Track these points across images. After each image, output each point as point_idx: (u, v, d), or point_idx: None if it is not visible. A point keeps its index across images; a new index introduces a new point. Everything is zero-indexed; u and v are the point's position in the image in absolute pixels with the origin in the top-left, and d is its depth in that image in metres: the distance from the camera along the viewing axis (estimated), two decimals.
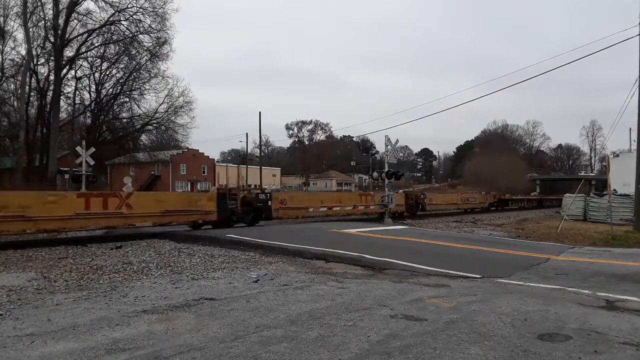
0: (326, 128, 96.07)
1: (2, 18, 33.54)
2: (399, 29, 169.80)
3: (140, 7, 32.15)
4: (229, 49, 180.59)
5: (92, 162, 22.80)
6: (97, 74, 37.27)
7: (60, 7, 30.63)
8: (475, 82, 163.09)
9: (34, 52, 32.01)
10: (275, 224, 17.88)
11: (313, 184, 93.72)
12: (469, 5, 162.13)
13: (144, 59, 35.85)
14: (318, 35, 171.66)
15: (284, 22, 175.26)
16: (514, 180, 64.13)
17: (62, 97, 32.75)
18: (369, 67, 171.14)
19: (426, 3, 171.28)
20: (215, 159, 79.82)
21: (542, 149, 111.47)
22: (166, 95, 37.30)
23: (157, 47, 34.86)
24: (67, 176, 33.95)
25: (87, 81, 37.02)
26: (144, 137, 41.74)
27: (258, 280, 7.34)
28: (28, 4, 29.82)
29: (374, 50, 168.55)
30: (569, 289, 6.74)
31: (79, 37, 32.84)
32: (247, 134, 78.55)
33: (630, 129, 44.77)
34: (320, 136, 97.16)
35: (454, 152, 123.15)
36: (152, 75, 36.54)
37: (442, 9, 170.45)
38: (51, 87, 32.06)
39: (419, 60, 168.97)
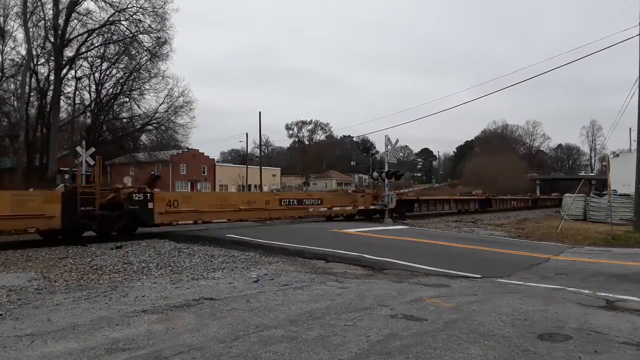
0: (326, 128, 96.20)
1: (2, 18, 33.54)
2: (399, 29, 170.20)
3: (140, 7, 32.17)
4: (229, 49, 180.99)
5: (92, 162, 22.74)
6: (97, 74, 37.28)
7: (60, 7, 30.65)
8: (475, 82, 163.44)
9: (34, 52, 32.01)
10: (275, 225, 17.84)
11: (313, 184, 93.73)
12: (468, 5, 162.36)
13: (144, 59, 35.87)
14: (318, 35, 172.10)
15: (284, 22, 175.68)
16: (514, 180, 64.11)
17: (62, 97, 32.77)
18: (369, 67, 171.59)
19: (426, 3, 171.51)
20: (215, 159, 79.86)
21: (542, 149, 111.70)
22: (166, 95, 37.32)
23: (157, 47, 34.88)
24: (67, 176, 33.96)
25: (87, 81, 37.06)
26: (144, 137, 41.77)
27: (258, 280, 7.34)
28: (28, 4, 29.80)
29: (374, 50, 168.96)
30: (569, 288, 6.74)
31: (79, 37, 32.85)
32: (247, 134, 78.43)
33: (630, 129, 44.89)
34: (320, 136, 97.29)
35: (454, 152, 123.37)
36: (152, 75, 36.56)
37: (442, 9, 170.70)
38: (51, 87, 32.06)
39: (419, 60, 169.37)
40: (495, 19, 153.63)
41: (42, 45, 32.60)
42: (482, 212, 32.47)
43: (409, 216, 24.49)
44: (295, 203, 18.63)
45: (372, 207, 21.41)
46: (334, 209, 20.32)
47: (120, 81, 37.58)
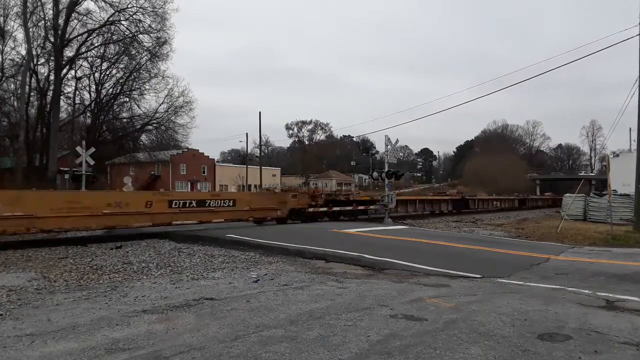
0: (326, 128, 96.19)
1: (2, 18, 33.58)
2: (399, 29, 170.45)
3: (140, 7, 32.25)
4: (229, 49, 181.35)
5: (92, 162, 22.80)
6: (97, 74, 37.37)
7: (60, 7, 30.69)
8: (475, 82, 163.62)
9: (34, 52, 32.04)
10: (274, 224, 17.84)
11: (313, 184, 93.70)
12: (468, 5, 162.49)
13: (144, 59, 35.96)
14: (318, 35, 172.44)
15: (284, 22, 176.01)
16: (514, 180, 64.12)
17: (62, 97, 32.82)
18: (369, 67, 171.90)
19: (426, 3, 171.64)
20: (215, 159, 79.90)
21: (542, 149, 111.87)
22: (166, 95, 37.41)
23: (157, 47, 34.95)
24: (67, 176, 33.97)
25: (87, 81, 37.15)
26: (144, 137, 41.84)
27: (258, 280, 7.34)
28: (28, 3, 29.81)
29: (374, 50, 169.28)
30: (569, 288, 6.74)
31: (79, 37, 32.91)
32: (247, 134, 78.58)
33: (630, 129, 44.89)
34: (320, 136, 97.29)
35: (454, 152, 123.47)
36: (152, 75, 36.67)
37: (442, 9, 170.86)
38: (51, 87, 32.10)
39: (419, 60, 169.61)
40: (495, 19, 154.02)
41: (42, 45, 32.67)
42: (457, 214, 29.88)
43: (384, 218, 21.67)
44: (194, 205, 14.82)
45: (308, 208, 18.77)
46: (253, 212, 16.79)
47: (120, 81, 37.68)
